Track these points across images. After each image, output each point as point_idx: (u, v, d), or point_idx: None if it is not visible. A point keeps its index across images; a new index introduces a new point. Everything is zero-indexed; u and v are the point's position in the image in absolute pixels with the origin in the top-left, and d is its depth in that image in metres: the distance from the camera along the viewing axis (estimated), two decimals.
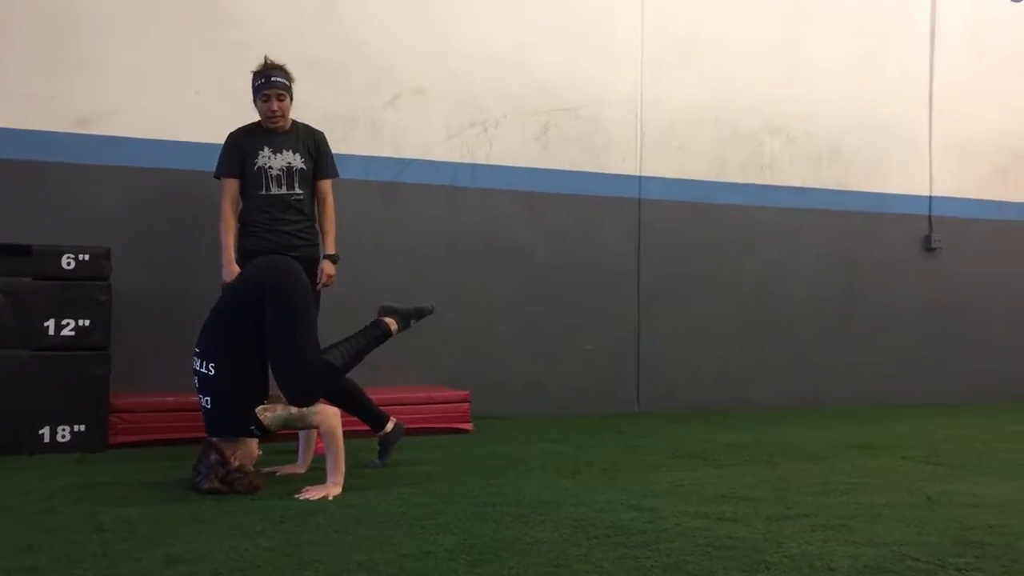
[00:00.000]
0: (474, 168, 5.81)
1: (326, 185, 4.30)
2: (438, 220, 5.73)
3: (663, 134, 6.31)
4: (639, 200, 6.24)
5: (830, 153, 6.80)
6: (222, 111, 4.71)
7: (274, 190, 4.14)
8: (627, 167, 6.21)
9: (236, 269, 3.99)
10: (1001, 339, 7.23)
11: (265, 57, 4.17)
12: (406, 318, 3.80)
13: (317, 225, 4.29)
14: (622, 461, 4.23)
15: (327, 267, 4.24)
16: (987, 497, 3.48)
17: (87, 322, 4.30)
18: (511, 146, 5.90)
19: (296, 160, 4.18)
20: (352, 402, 3.97)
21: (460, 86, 5.77)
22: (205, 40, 5.13)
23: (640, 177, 6.24)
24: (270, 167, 4.14)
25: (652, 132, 6.28)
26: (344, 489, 3.38)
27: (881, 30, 6.95)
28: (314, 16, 5.43)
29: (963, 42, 7.20)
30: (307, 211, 4.23)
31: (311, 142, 4.26)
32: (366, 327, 3.71)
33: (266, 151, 4.15)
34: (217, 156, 4.26)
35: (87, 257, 4.34)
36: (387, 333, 3.73)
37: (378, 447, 4.01)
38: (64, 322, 4.27)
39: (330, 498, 3.30)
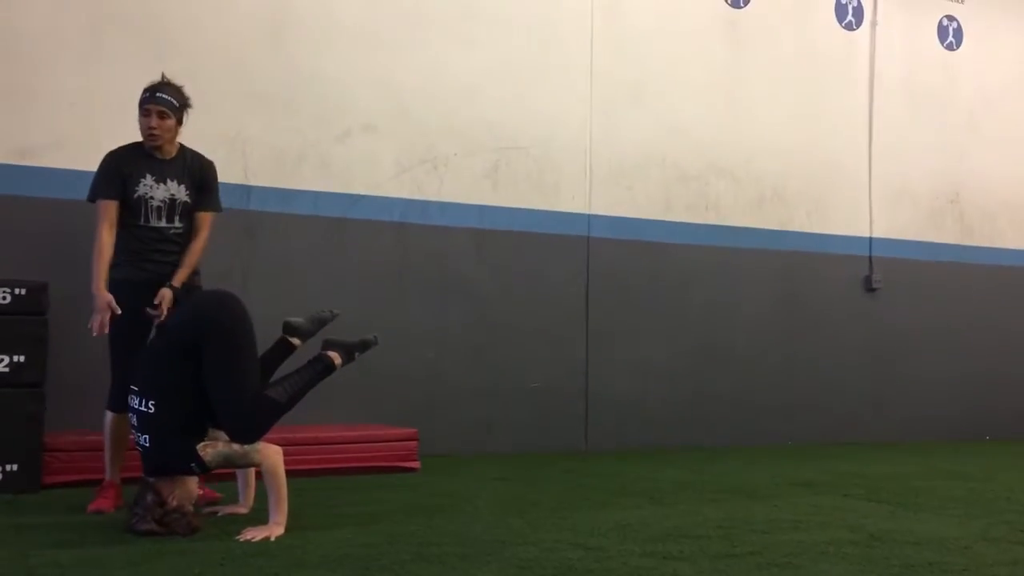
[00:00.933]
0: (424, 205, 5.81)
1: (205, 218, 3.92)
2: (387, 256, 5.71)
3: (612, 173, 6.39)
4: (588, 238, 6.29)
5: (773, 194, 6.94)
6: None
7: (153, 222, 3.78)
8: (576, 205, 6.26)
9: (108, 295, 3.62)
10: (937, 378, 7.38)
11: (162, 74, 3.90)
12: (350, 351, 3.72)
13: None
14: (569, 500, 4.21)
15: (167, 294, 3.73)
16: (928, 534, 3.53)
17: (22, 358, 4.18)
18: (461, 183, 5.92)
19: (180, 192, 3.83)
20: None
21: (410, 123, 5.78)
22: (150, 71, 4.98)
23: (589, 215, 6.30)
24: (151, 197, 3.78)
25: (601, 171, 6.35)
26: (287, 529, 3.32)
27: (822, 75, 7.15)
28: (263, 49, 5.42)
29: (901, 87, 7.43)
30: (185, 243, 3.87)
31: (198, 172, 3.91)
32: (310, 361, 3.65)
33: (148, 179, 3.78)
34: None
35: (23, 291, 4.23)
36: (331, 367, 3.65)
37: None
38: None
39: (272, 539, 3.23)
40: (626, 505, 4.09)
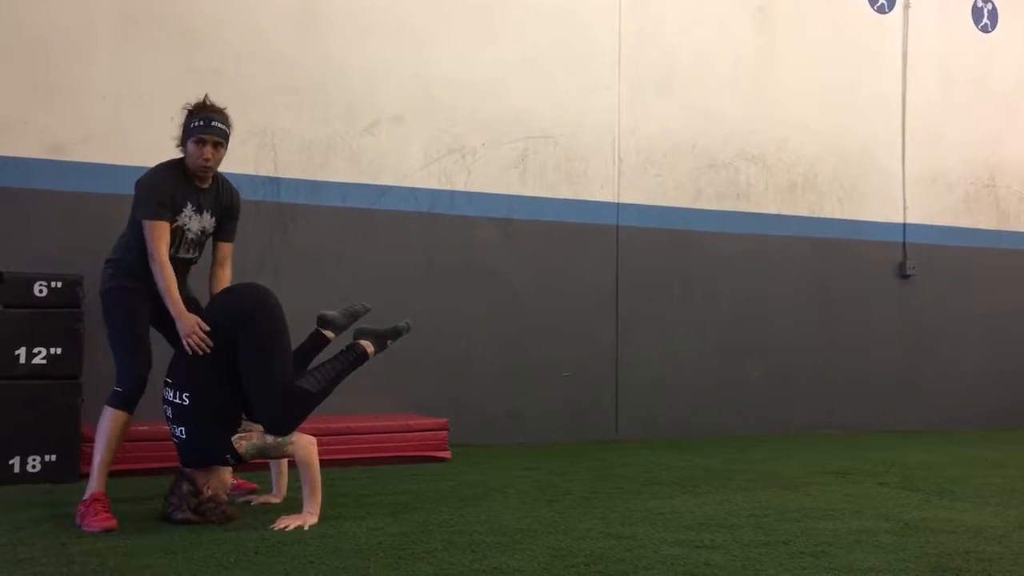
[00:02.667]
0: (452, 195, 5.82)
1: (230, 249, 3.80)
2: (416, 247, 5.72)
3: (640, 162, 6.35)
4: (617, 227, 6.26)
5: (805, 181, 6.87)
6: None
7: (182, 254, 3.63)
8: (605, 194, 6.24)
9: (191, 316, 3.48)
10: (974, 365, 7.29)
11: (205, 96, 3.68)
12: (382, 339, 3.73)
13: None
14: (600, 489, 4.21)
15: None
16: (963, 523, 3.49)
17: (59, 351, 4.25)
18: (489, 173, 5.91)
19: (209, 225, 3.70)
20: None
21: (438, 113, 5.79)
22: (180, 66, 5.13)
23: (618, 204, 6.27)
24: (188, 228, 3.63)
25: (630, 160, 6.32)
26: (320, 519, 3.35)
27: (854, 60, 7.05)
28: (291, 43, 5.44)
29: (934, 71, 7.32)
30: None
31: (227, 202, 3.75)
32: (343, 351, 3.68)
33: (188, 209, 3.61)
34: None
35: (60, 284, 4.29)
36: (364, 356, 3.67)
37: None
38: (36, 350, 4.21)
39: (306, 528, 3.26)
40: (657, 494, 4.08)
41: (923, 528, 3.38)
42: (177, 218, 3.59)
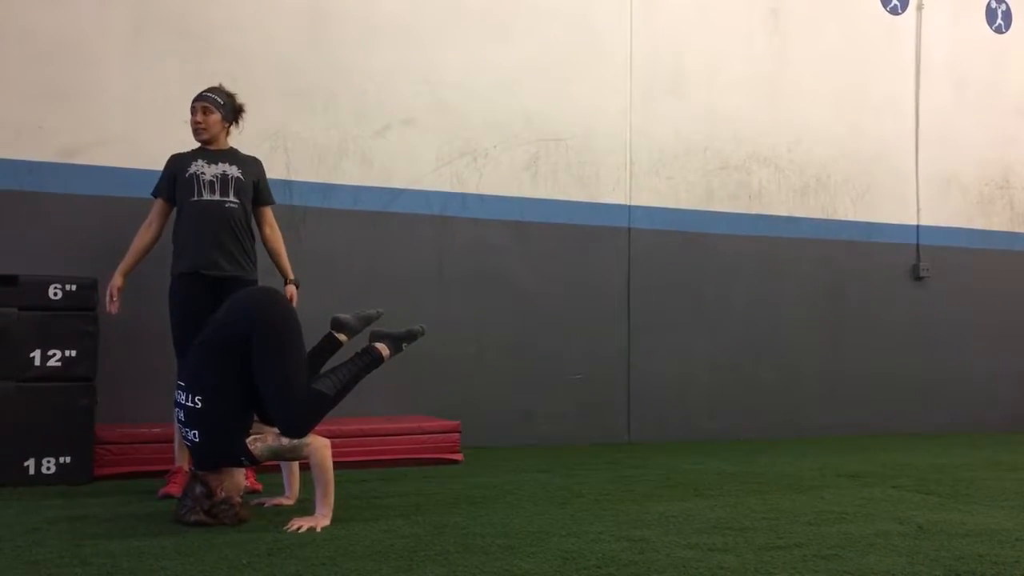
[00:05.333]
0: (464, 197, 5.83)
1: (269, 212, 4.35)
2: (428, 249, 5.73)
3: (652, 164, 6.35)
4: (628, 229, 6.26)
5: (817, 183, 6.85)
6: None
7: (206, 196, 4.07)
8: (616, 197, 6.24)
9: (114, 280, 4.12)
10: (988, 368, 7.25)
11: (220, 85, 4.25)
12: (398, 342, 3.76)
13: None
14: (612, 491, 4.20)
15: (291, 291, 4.33)
16: (978, 526, 3.47)
17: (73, 353, 4.27)
18: (501, 176, 5.92)
19: (233, 171, 4.13)
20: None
21: (449, 116, 5.80)
22: (192, 71, 5.15)
23: (629, 206, 6.27)
24: (202, 173, 4.09)
25: (641, 162, 6.32)
26: (332, 520, 3.35)
27: (867, 61, 7.03)
28: (303, 47, 5.46)
29: (947, 72, 7.29)
30: (244, 221, 4.19)
31: (250, 162, 4.24)
32: (358, 354, 3.69)
33: (199, 162, 4.10)
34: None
35: (74, 287, 4.32)
36: (379, 359, 3.69)
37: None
38: (50, 353, 4.23)
39: (318, 529, 3.27)
40: (670, 497, 4.07)
41: (937, 532, 3.37)
42: (187, 171, 4.03)
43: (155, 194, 4.18)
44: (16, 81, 4.84)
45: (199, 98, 4.11)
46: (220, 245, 4.02)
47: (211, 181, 4.05)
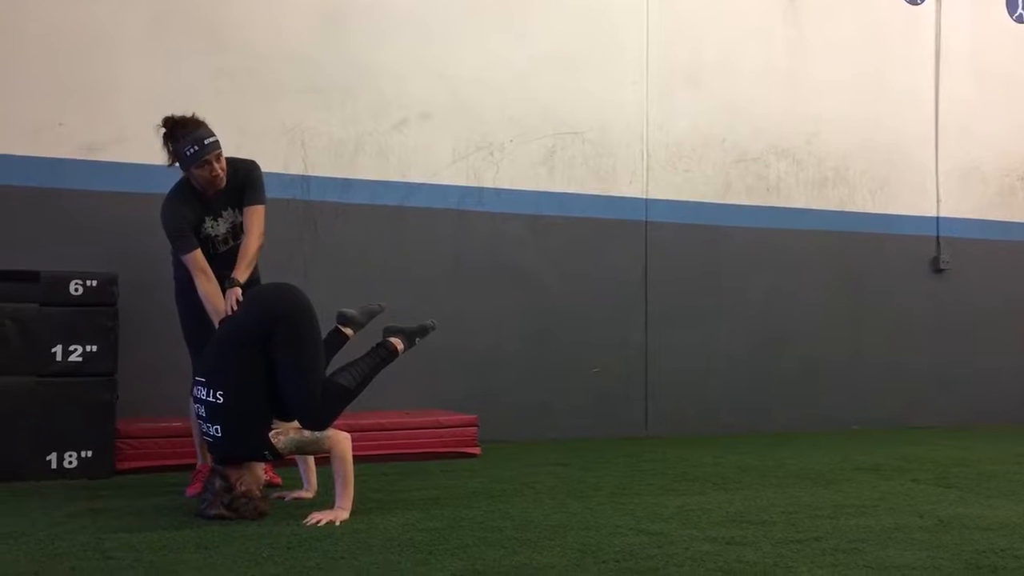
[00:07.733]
0: (481, 191, 5.83)
1: (250, 212, 3.87)
2: (445, 244, 5.74)
3: (669, 157, 6.32)
4: (646, 223, 6.24)
5: (836, 174, 6.81)
6: (228, 137, 4.71)
7: (221, 250, 3.88)
8: (633, 190, 6.22)
9: (226, 302, 3.71)
10: (1008, 360, 7.19)
11: (171, 116, 3.82)
12: (411, 337, 3.82)
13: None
14: (630, 485, 4.20)
15: (234, 292, 3.68)
16: (998, 520, 3.45)
17: (94, 348, 4.31)
18: (518, 169, 5.92)
19: (235, 215, 3.89)
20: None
21: (466, 110, 5.80)
22: (212, 67, 5.18)
23: (647, 199, 6.25)
24: (215, 235, 3.89)
25: (658, 155, 6.29)
26: (352, 514, 3.37)
27: (886, 52, 6.97)
28: (320, 42, 5.47)
29: (967, 63, 7.21)
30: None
31: (241, 181, 3.87)
32: (373, 348, 3.72)
33: (208, 221, 3.85)
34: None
35: (95, 283, 4.35)
36: (394, 353, 3.74)
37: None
38: (71, 348, 4.27)
39: (337, 523, 3.29)
40: (688, 490, 4.07)
41: (957, 525, 3.35)
42: (201, 232, 3.82)
43: (190, 250, 3.74)
44: (36, 79, 4.87)
45: (205, 148, 3.71)
46: (229, 268, 3.85)
47: (224, 237, 3.90)
